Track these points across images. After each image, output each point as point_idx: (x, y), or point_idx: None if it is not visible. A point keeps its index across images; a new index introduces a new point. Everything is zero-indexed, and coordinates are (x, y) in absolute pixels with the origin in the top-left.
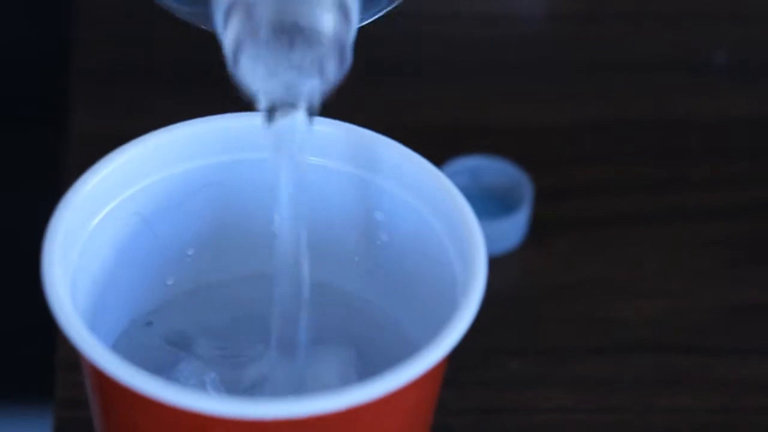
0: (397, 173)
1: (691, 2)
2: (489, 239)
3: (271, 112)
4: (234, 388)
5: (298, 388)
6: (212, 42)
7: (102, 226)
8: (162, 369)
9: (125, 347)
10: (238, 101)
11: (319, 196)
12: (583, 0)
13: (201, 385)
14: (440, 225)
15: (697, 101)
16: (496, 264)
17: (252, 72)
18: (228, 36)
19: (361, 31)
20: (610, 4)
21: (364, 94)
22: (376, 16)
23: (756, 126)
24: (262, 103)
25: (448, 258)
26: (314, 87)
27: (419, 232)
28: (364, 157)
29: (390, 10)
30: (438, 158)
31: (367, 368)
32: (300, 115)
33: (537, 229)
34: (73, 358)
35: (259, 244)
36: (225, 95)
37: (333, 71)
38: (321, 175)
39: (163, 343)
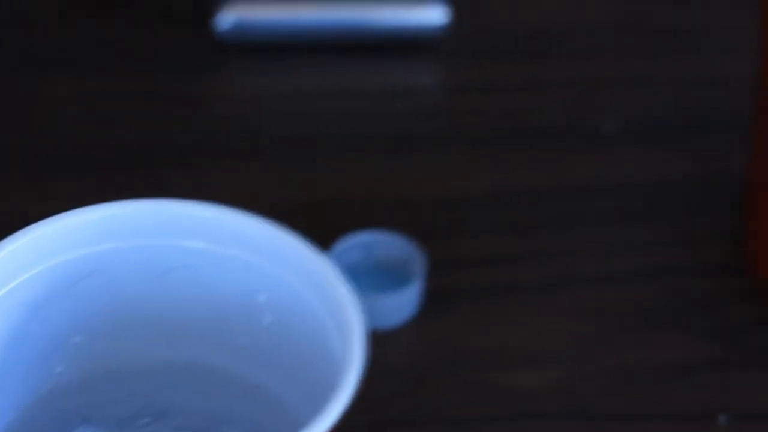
0: (276, 254)
1: (580, 70)
2: (384, 312)
3: None
4: None
5: None
6: (106, 129)
7: None
8: None
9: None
10: (123, 188)
11: (200, 279)
12: (476, 72)
13: None
14: (320, 305)
15: (590, 168)
16: (392, 336)
17: None
18: None
19: (259, 104)
20: (502, 76)
21: (257, 171)
22: None
23: (648, 191)
24: None
25: (329, 337)
26: None
27: (301, 313)
28: (245, 239)
29: None
30: (332, 234)
31: None
32: None
33: (433, 300)
34: None
35: (148, 332)
36: (112, 183)
37: None
38: (201, 257)
39: (68, 411)
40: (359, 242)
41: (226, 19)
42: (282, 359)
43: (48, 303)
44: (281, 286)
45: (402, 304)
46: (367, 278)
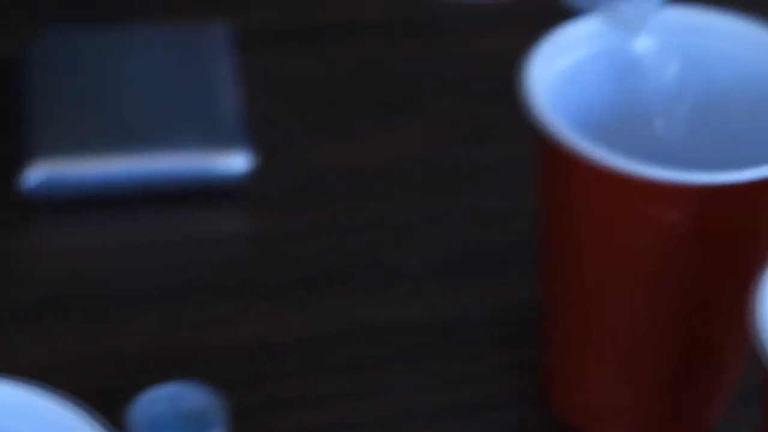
0: (48, 423)
1: (383, 209)
2: None
3: None
4: None
5: None
6: None
7: None
8: None
9: None
10: None
11: None
12: (280, 217)
13: None
14: None
15: (392, 307)
16: None
17: None
18: None
19: (63, 261)
20: (306, 220)
21: (59, 330)
22: None
23: (448, 327)
24: None
25: None
26: None
27: None
28: (20, 410)
29: None
30: (136, 387)
31: None
32: None
33: None
34: None
35: None
36: None
37: None
38: None
39: None
40: (162, 395)
41: (34, 175)
42: None
43: None
44: None
45: None
46: (171, 431)
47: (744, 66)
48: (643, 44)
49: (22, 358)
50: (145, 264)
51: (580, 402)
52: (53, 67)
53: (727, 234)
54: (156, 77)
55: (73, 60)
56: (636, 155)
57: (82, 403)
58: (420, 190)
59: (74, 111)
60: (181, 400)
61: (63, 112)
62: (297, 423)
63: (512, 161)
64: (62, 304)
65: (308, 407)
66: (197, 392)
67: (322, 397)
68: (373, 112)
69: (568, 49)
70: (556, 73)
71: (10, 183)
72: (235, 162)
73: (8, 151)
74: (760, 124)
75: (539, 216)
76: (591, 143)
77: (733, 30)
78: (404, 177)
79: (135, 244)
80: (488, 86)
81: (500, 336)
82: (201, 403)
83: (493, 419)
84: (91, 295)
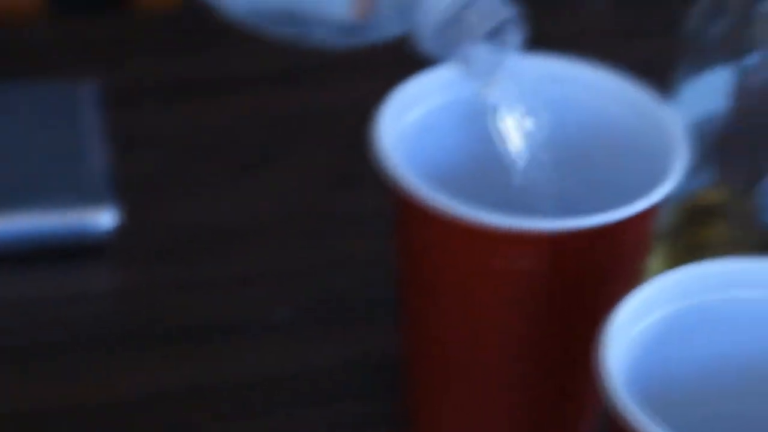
0: None
1: (245, 263)
2: None
3: None
4: None
5: None
6: None
7: None
8: None
9: None
10: None
11: None
12: (148, 273)
13: None
14: None
15: (259, 358)
16: None
17: None
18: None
19: None
20: (174, 276)
21: None
22: None
23: (315, 378)
24: None
25: None
26: None
27: None
28: None
29: None
30: None
31: None
32: None
33: None
34: None
35: None
36: None
37: None
38: None
39: None
40: None
41: None
42: None
43: None
44: None
45: None
46: None
47: (597, 113)
48: (496, 92)
49: None
50: (11, 323)
51: None
52: None
53: (579, 280)
54: (23, 135)
55: None
56: (494, 204)
57: None
58: (287, 241)
59: None
60: None
61: None
62: None
63: (377, 211)
64: None
65: None
66: None
67: None
68: (238, 166)
69: (422, 97)
70: (410, 122)
71: None
72: (102, 219)
73: None
74: (616, 170)
75: (397, 266)
76: (441, 193)
77: (585, 78)
78: (271, 229)
79: (1, 304)
80: (352, 135)
81: (364, 385)
82: None
83: None
84: None
